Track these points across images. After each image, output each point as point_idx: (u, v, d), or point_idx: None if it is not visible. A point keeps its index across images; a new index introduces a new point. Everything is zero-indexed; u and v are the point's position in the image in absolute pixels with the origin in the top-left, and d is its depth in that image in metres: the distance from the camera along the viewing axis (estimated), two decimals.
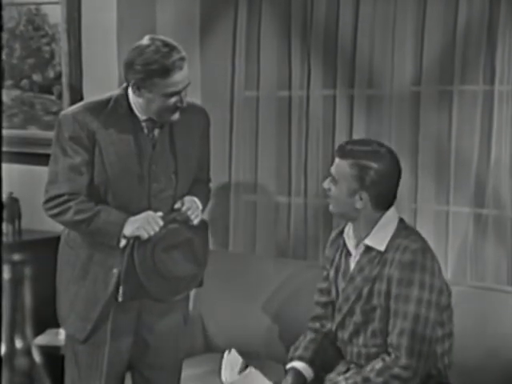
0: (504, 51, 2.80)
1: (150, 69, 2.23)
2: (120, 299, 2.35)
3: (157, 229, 2.32)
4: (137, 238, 2.32)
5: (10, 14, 3.46)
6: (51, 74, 3.45)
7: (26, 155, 3.46)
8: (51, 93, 3.45)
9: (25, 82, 3.51)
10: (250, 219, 3.34)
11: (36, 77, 3.49)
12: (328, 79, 3.15)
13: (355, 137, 3.10)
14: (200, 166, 2.46)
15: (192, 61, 3.40)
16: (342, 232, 2.39)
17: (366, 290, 2.27)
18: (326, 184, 2.34)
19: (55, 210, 2.34)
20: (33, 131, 3.52)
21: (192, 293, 3.06)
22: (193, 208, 2.38)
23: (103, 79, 3.27)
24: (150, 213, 2.33)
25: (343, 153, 2.29)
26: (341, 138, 3.13)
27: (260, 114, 3.29)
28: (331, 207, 2.35)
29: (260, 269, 3.17)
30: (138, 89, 2.28)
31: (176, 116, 2.31)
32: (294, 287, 3.05)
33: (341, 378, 2.24)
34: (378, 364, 2.21)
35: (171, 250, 2.36)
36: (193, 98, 2.58)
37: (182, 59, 2.25)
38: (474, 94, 2.88)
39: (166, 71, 2.23)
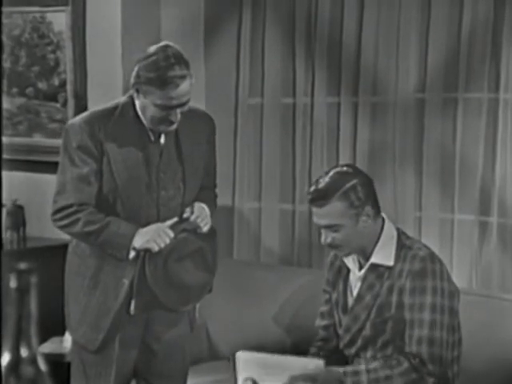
0: (509, 58, 2.80)
1: (147, 76, 2.22)
2: (132, 312, 2.35)
3: (167, 241, 2.30)
4: (147, 250, 2.31)
5: (15, 22, 3.48)
6: (56, 81, 3.46)
7: (30, 163, 3.46)
8: (56, 100, 3.46)
9: (30, 89, 3.52)
10: (255, 226, 3.34)
11: (41, 84, 3.50)
12: (332, 86, 3.15)
13: (359, 144, 3.11)
14: (207, 172, 2.46)
15: (196, 68, 3.41)
16: None
17: (376, 306, 2.25)
18: (328, 239, 2.23)
19: (64, 222, 2.32)
20: (38, 139, 3.52)
21: None
22: (202, 216, 2.36)
23: (108, 87, 3.28)
24: (160, 225, 2.31)
25: (323, 198, 2.21)
26: (345, 145, 3.13)
27: (264, 121, 3.30)
28: (345, 253, 2.26)
29: (264, 276, 3.16)
30: (136, 91, 2.28)
31: (170, 128, 2.29)
32: (298, 295, 3.05)
33: (363, 367, 2.20)
34: (403, 364, 2.18)
35: (183, 260, 2.35)
36: (197, 104, 2.59)
37: (183, 77, 2.22)
38: (478, 102, 2.88)
39: (161, 84, 2.21)
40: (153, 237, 2.28)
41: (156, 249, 2.29)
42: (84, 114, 2.39)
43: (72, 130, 2.31)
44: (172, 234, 2.31)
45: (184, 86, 2.23)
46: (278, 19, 3.23)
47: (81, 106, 3.28)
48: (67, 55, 3.38)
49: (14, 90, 3.52)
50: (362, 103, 3.09)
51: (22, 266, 0.87)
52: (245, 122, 3.33)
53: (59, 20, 3.39)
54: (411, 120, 3.01)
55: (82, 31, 3.34)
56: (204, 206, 2.40)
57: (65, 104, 3.43)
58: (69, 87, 3.40)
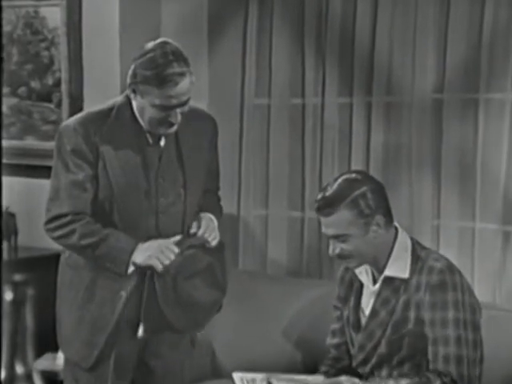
0: None
1: (144, 74, 2.22)
2: (140, 337, 2.35)
3: (172, 257, 2.28)
4: (150, 267, 2.29)
5: (7, 17, 3.49)
6: (50, 80, 3.47)
7: (22, 167, 3.47)
8: (50, 101, 3.47)
9: (22, 89, 3.53)
10: (261, 235, 3.34)
11: (34, 84, 3.51)
12: (344, 86, 3.15)
13: (373, 148, 3.10)
14: (210, 175, 2.46)
15: (199, 66, 3.42)
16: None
17: (392, 322, 2.26)
18: (336, 250, 2.24)
19: (58, 232, 2.31)
20: (30, 142, 3.53)
21: None
22: (210, 229, 2.36)
23: (105, 86, 3.28)
24: (163, 241, 2.30)
25: (330, 206, 2.22)
26: (357, 149, 3.13)
27: (271, 123, 3.30)
28: (355, 264, 2.26)
29: (271, 288, 3.16)
30: (133, 91, 2.28)
31: (170, 130, 2.29)
32: (308, 308, 3.05)
33: (391, 382, 2.21)
34: (435, 383, 2.19)
35: (193, 278, 2.36)
36: (200, 105, 2.59)
37: (182, 74, 2.21)
38: (501, 103, 2.87)
39: (159, 82, 2.21)
40: (155, 253, 2.27)
41: (160, 267, 2.27)
42: (78, 116, 2.39)
43: (66, 133, 2.31)
44: (177, 250, 2.29)
45: (183, 84, 2.22)
46: (287, 14, 3.23)
47: (76, 107, 3.29)
48: (62, 53, 3.39)
49: (6, 89, 3.53)
50: (376, 104, 3.09)
51: (17, 277, 0.87)
52: (251, 123, 3.33)
53: (54, 15, 3.41)
54: (428, 122, 3.00)
55: (77, 27, 3.35)
56: (212, 217, 2.40)
57: (59, 104, 3.44)
58: (64, 87, 3.41)
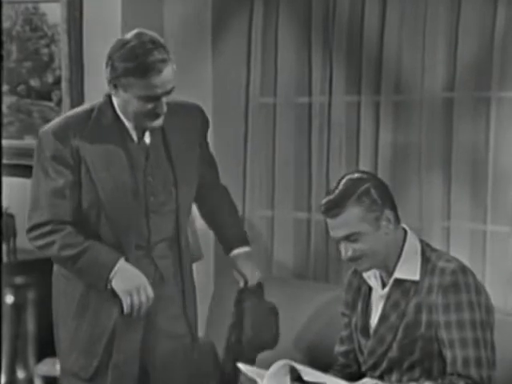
0: None
1: (126, 66, 2.21)
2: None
3: (144, 306, 2.29)
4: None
5: (6, 13, 3.50)
6: (50, 78, 3.47)
7: (21, 167, 3.47)
8: (50, 99, 3.47)
9: (21, 87, 3.53)
10: (266, 237, 3.34)
11: (34, 82, 3.52)
12: (352, 84, 3.15)
13: (381, 148, 3.10)
14: (206, 167, 2.46)
15: (203, 64, 3.42)
16: (356, 270, 2.37)
17: (403, 325, 2.26)
18: (349, 252, 2.24)
19: (39, 242, 2.31)
20: (30, 141, 3.53)
21: (204, 319, 3.07)
22: (252, 268, 2.48)
23: (106, 84, 3.28)
24: (143, 279, 2.30)
25: (337, 206, 2.23)
26: (366, 149, 3.13)
27: (277, 123, 3.30)
28: (367, 265, 2.27)
29: (277, 291, 3.16)
30: (114, 87, 2.26)
31: (157, 123, 2.27)
32: (315, 313, 3.04)
33: None
34: None
35: (260, 325, 2.48)
36: (204, 104, 2.59)
37: (164, 61, 2.21)
38: None
39: (142, 71, 2.20)
40: (131, 289, 2.27)
41: (127, 311, 2.29)
42: (57, 120, 2.38)
43: (45, 139, 2.30)
44: (152, 295, 2.30)
45: (167, 71, 2.22)
46: (293, 11, 3.23)
47: (76, 106, 3.29)
48: (62, 50, 3.40)
49: (5, 87, 3.53)
50: (385, 102, 3.09)
51: (18, 280, 0.87)
52: (256, 123, 3.33)
53: (54, 11, 3.41)
54: (439, 121, 3.00)
55: (78, 24, 3.36)
56: (247, 251, 2.49)
57: (59, 103, 3.44)
58: (64, 85, 3.41)
